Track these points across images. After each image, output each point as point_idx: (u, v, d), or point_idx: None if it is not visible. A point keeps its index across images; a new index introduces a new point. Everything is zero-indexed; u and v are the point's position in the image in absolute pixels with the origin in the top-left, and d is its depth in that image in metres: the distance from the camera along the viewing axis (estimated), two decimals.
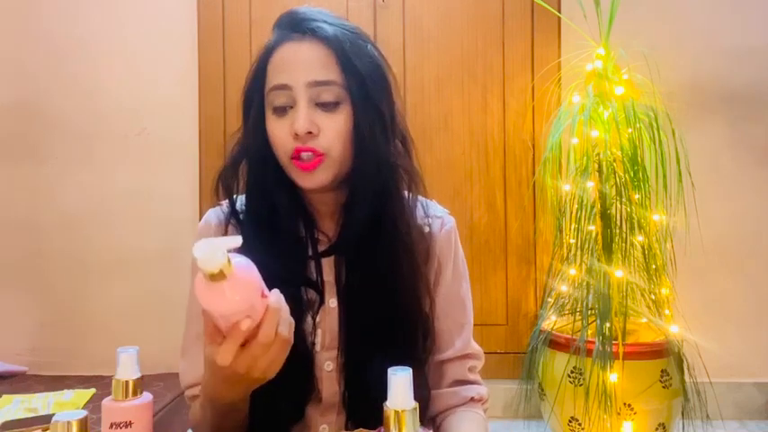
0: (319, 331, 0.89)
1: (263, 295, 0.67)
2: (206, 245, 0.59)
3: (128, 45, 2.48)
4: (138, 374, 0.69)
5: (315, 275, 0.90)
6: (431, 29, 2.42)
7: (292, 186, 0.88)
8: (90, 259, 2.48)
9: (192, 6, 2.44)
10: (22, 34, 2.48)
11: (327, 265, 0.90)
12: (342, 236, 0.89)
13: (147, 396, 0.70)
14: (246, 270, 0.64)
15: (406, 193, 0.91)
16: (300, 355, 0.86)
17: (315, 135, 0.83)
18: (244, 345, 0.66)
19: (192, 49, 2.45)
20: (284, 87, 0.84)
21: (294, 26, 0.87)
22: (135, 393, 0.68)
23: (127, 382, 0.68)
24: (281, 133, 0.84)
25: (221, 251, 0.59)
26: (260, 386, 0.74)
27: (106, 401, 0.69)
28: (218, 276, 0.60)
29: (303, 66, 0.84)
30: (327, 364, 0.89)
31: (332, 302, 0.90)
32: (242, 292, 0.62)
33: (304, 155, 0.83)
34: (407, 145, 0.92)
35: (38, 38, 2.48)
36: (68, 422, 0.62)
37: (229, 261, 0.60)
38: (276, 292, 0.69)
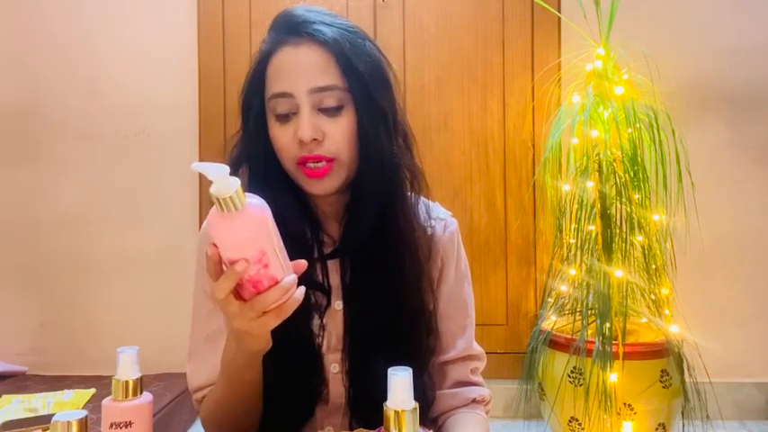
0: (325, 333, 0.89)
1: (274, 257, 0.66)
2: (220, 172, 0.60)
3: (128, 45, 2.48)
4: (138, 374, 0.69)
5: (321, 278, 0.89)
6: (431, 29, 2.41)
7: (296, 189, 0.87)
8: (90, 259, 2.48)
9: (192, 6, 2.44)
10: (22, 34, 2.48)
11: (333, 267, 0.90)
12: (346, 238, 0.88)
13: (147, 396, 0.70)
14: (258, 209, 0.64)
15: (409, 193, 0.91)
16: (308, 356, 0.86)
17: (320, 141, 0.82)
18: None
19: (192, 49, 2.44)
20: (285, 95, 0.82)
21: (291, 29, 0.84)
22: (135, 393, 0.68)
23: (127, 382, 0.68)
24: (285, 140, 0.83)
25: (235, 180, 0.60)
26: (269, 387, 0.73)
27: (106, 401, 0.69)
28: (229, 205, 0.60)
29: (303, 72, 0.82)
30: (333, 366, 0.89)
31: (337, 305, 0.90)
32: (250, 227, 0.63)
33: (312, 164, 0.82)
34: (409, 141, 0.91)
35: (38, 38, 2.48)
36: (68, 422, 0.62)
37: (243, 192, 0.61)
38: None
